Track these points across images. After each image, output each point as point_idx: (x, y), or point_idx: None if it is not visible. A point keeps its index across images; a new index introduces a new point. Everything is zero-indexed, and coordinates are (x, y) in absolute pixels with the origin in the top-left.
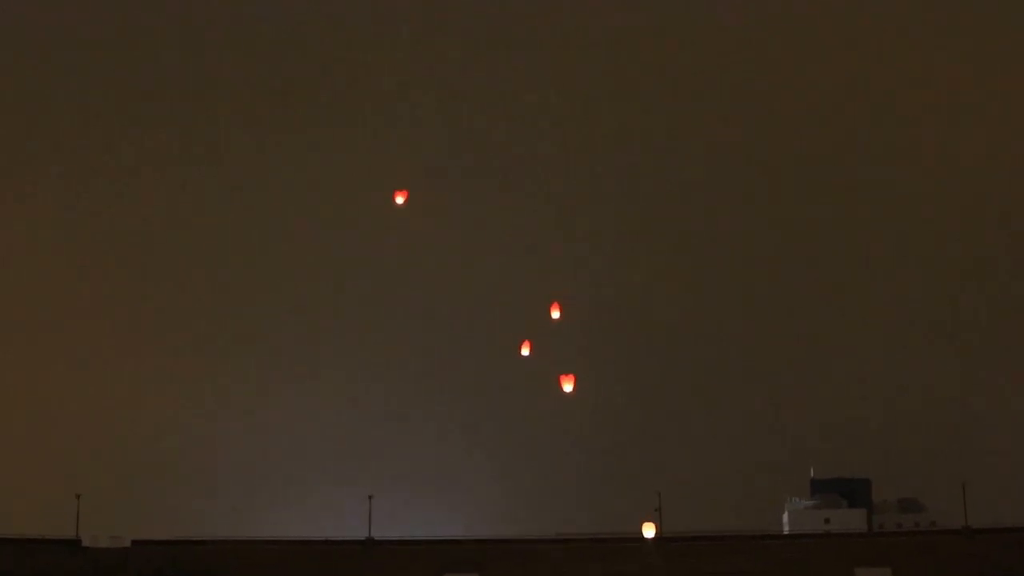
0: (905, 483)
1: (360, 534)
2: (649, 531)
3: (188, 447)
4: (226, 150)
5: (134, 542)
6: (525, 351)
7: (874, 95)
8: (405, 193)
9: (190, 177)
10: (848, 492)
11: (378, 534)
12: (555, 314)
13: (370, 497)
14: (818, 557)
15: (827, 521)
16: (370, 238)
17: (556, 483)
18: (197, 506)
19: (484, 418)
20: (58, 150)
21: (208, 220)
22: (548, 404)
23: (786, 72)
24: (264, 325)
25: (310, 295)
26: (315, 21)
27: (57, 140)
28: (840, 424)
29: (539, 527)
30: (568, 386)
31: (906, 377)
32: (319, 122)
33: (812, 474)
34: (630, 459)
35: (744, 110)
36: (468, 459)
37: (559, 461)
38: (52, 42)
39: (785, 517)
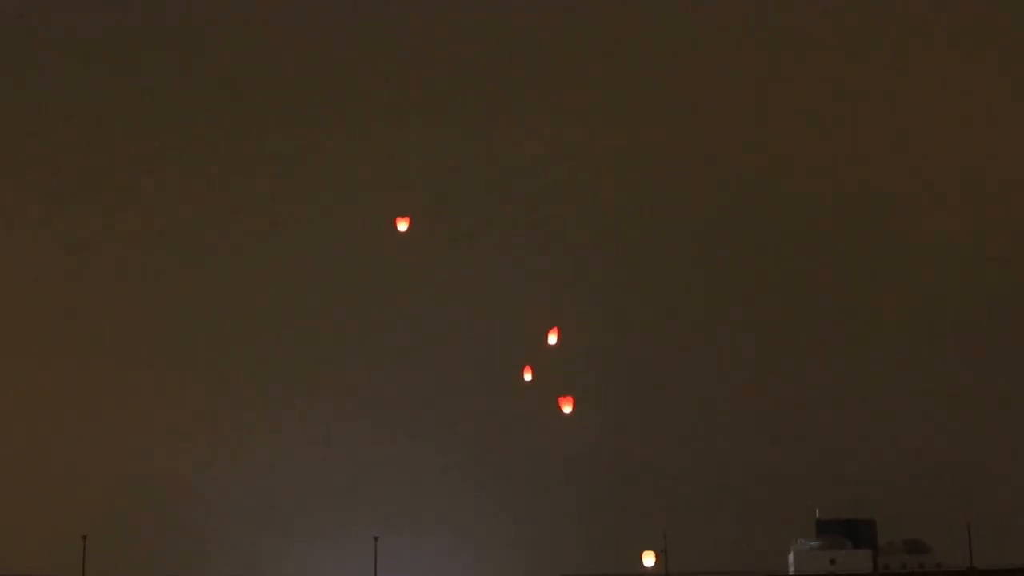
0: (910, 524)
1: None
2: (649, 560)
3: (194, 489)
4: (226, 186)
5: None
6: (527, 376)
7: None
8: (407, 219)
9: (200, 218)
10: (853, 533)
11: None
12: (552, 339)
13: (375, 538)
14: None
15: (833, 562)
16: (369, 269)
17: (559, 522)
18: (202, 548)
19: (486, 455)
20: (54, 177)
21: (216, 254)
22: (548, 440)
23: (795, 125)
24: (268, 364)
25: (311, 331)
26: (316, 47)
27: (53, 170)
28: (845, 465)
29: (542, 567)
30: (567, 407)
31: (911, 418)
32: (316, 148)
33: (817, 515)
34: (634, 498)
35: (748, 143)
36: (471, 497)
37: (561, 499)
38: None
39: (790, 558)
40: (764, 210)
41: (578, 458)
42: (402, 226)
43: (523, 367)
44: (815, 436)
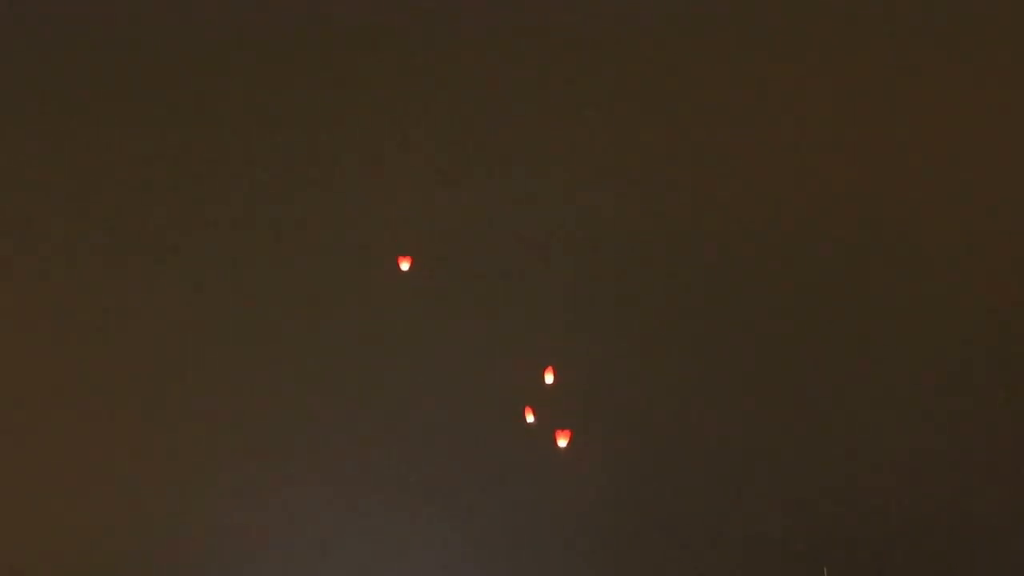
0: None
1: None
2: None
3: (192, 545)
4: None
5: None
6: (529, 418)
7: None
8: (410, 259)
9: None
10: None
11: None
12: (549, 378)
13: None
14: None
15: None
16: (370, 310)
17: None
18: None
19: (488, 507)
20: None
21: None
22: (549, 492)
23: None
24: (263, 411)
25: (311, 380)
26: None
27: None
28: (853, 525)
29: None
30: (563, 441)
31: (918, 478)
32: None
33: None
34: (636, 550)
35: (751, 185)
36: (474, 554)
37: (562, 550)
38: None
39: None
40: (767, 256)
41: (578, 503)
42: (404, 265)
43: (524, 408)
44: (821, 488)
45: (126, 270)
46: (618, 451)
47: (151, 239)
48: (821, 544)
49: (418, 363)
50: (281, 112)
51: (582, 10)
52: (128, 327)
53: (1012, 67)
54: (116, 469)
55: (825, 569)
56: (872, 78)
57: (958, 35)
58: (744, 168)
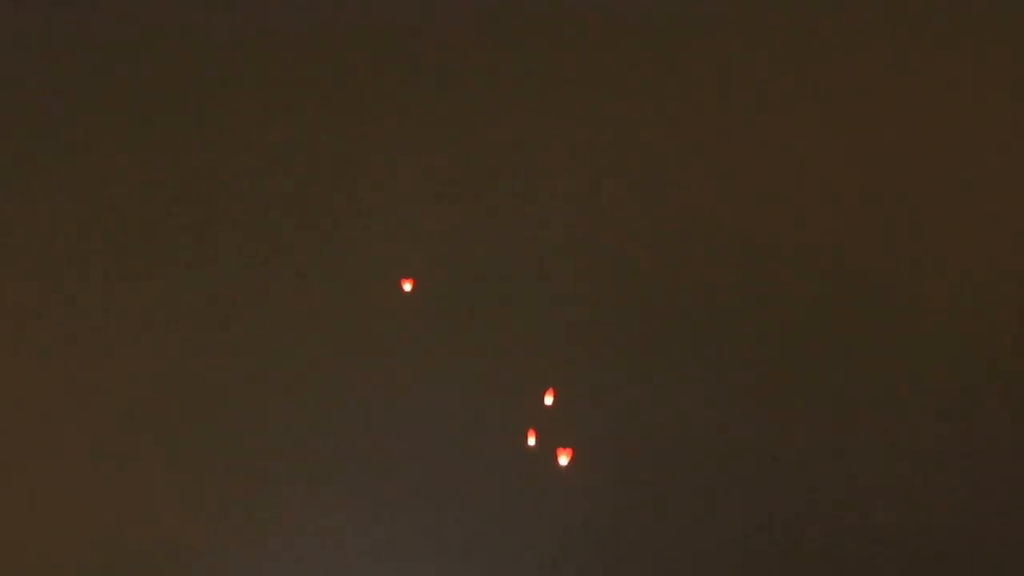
0: None
1: None
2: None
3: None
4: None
5: None
6: (531, 440)
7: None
8: (412, 281)
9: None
10: None
11: None
12: (548, 400)
13: None
14: None
15: None
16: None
17: None
18: None
19: (491, 534)
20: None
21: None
22: (550, 512)
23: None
24: (258, 435)
25: (310, 413)
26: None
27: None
28: (858, 550)
29: None
30: (564, 459)
31: (922, 520)
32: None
33: None
34: (640, 569)
35: (752, 223)
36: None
37: (564, 567)
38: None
39: None
40: (772, 278)
41: (580, 535)
42: (407, 287)
43: (527, 430)
44: (828, 516)
45: (122, 284)
46: (620, 471)
47: (152, 255)
48: (825, 567)
49: (418, 383)
50: (281, 136)
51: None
52: (126, 346)
53: None
54: (117, 485)
55: None
56: (880, 84)
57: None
58: (748, 189)
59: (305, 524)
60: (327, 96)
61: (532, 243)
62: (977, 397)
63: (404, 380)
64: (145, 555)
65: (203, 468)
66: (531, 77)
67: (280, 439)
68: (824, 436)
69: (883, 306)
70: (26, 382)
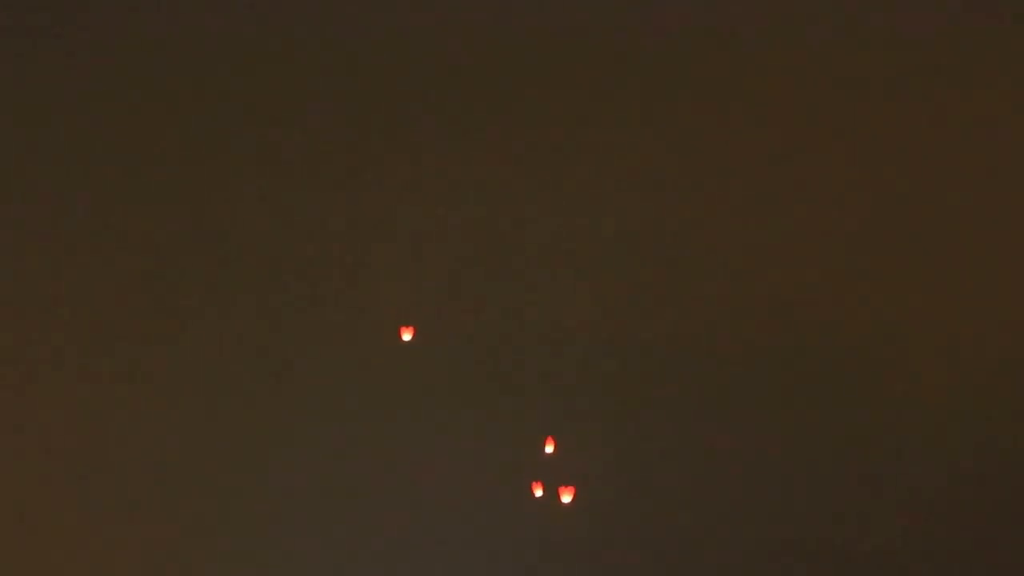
0: None
1: None
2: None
3: None
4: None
5: None
6: (538, 492)
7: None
8: (412, 329)
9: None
10: None
11: None
12: (549, 448)
13: None
14: None
15: None
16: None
17: None
18: None
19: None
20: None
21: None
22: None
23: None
24: (257, 488)
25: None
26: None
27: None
28: None
29: None
30: (567, 498)
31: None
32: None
33: None
34: None
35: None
36: None
37: None
38: None
39: None
40: (767, 342)
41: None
42: (406, 336)
43: (532, 482)
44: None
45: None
46: (621, 515)
47: (151, 319)
48: None
49: (419, 434)
50: (279, 177)
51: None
52: (123, 400)
53: None
54: (119, 534)
55: None
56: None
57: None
58: (749, 245)
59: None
60: (333, 152)
61: (532, 290)
62: (978, 464)
63: (405, 433)
64: None
65: (201, 530)
66: (536, 135)
67: (281, 493)
68: (820, 489)
69: (877, 368)
70: (25, 453)
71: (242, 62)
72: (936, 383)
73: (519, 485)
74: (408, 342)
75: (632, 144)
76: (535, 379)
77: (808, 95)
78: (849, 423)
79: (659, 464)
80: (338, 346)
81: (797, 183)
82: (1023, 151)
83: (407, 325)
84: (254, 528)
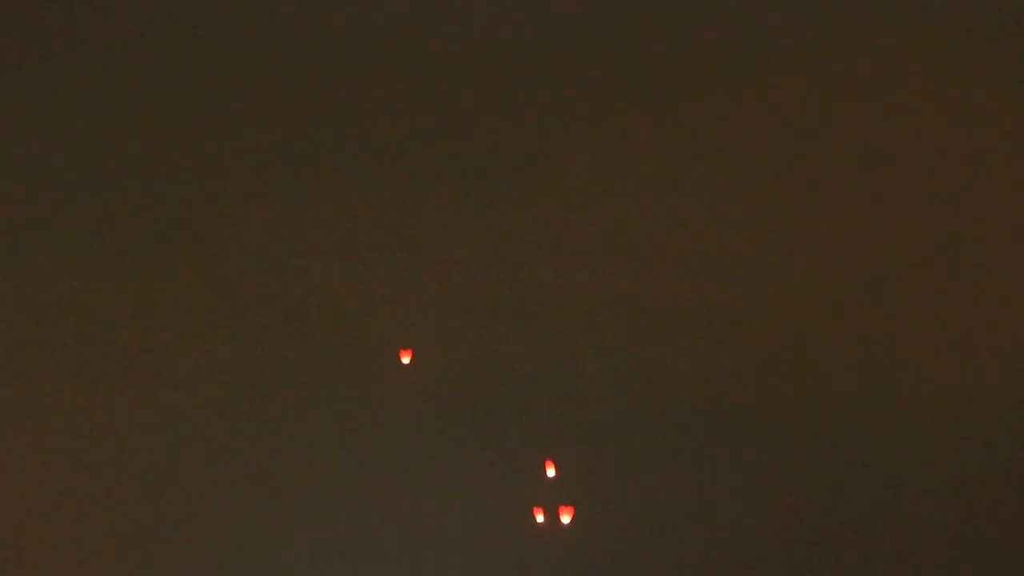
0: None
1: None
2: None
3: None
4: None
5: None
6: (539, 518)
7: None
8: (411, 352)
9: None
10: None
11: None
12: (550, 472)
13: None
14: None
15: None
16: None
17: None
18: None
19: None
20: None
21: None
22: None
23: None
24: (257, 514)
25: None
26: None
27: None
28: None
29: None
30: (566, 518)
31: None
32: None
33: None
34: None
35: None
36: None
37: None
38: None
39: None
40: (768, 367)
41: None
42: (405, 359)
43: (533, 508)
44: None
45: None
46: (621, 542)
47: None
48: None
49: (419, 458)
50: (277, 200)
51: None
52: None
53: None
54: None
55: None
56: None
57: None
58: (749, 273)
59: None
60: (329, 173)
61: (535, 314)
62: (981, 486)
63: (404, 456)
64: None
65: (198, 565)
66: (535, 159)
67: (279, 520)
68: (822, 514)
69: (880, 413)
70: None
71: (241, 98)
72: (952, 444)
73: (521, 511)
74: (408, 366)
75: (634, 183)
76: (536, 407)
77: (814, 145)
78: (849, 458)
79: (660, 489)
80: (337, 372)
81: (807, 232)
82: None
83: (406, 348)
84: (253, 553)
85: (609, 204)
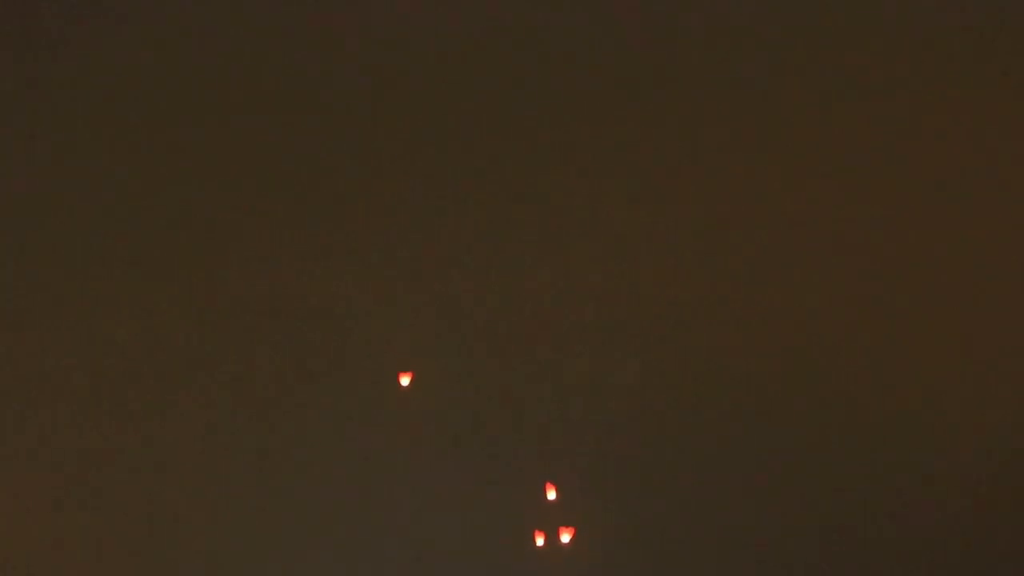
0: None
1: None
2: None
3: None
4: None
5: None
6: (539, 541)
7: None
8: (411, 374)
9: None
10: None
11: None
12: (551, 495)
13: None
14: None
15: None
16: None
17: None
18: None
19: None
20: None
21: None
22: None
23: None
24: (255, 539)
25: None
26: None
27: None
28: None
29: None
30: (566, 537)
31: None
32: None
33: None
34: None
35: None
36: None
37: None
38: None
39: None
40: (773, 389)
41: None
42: (404, 380)
43: (534, 532)
44: None
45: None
46: (624, 566)
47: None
48: None
49: (418, 483)
50: (274, 227)
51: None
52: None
53: None
54: None
55: None
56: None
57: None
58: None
59: None
60: (329, 189)
61: (535, 334)
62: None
63: (403, 482)
64: None
65: None
66: (536, 197)
67: (280, 542)
68: (829, 534)
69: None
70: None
71: (240, 116)
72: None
73: (521, 534)
74: (407, 388)
75: (634, 211)
76: (536, 429)
77: (832, 146)
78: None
79: (663, 512)
80: (335, 394)
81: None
82: None
83: (405, 371)
84: (249, 574)
85: (620, 233)
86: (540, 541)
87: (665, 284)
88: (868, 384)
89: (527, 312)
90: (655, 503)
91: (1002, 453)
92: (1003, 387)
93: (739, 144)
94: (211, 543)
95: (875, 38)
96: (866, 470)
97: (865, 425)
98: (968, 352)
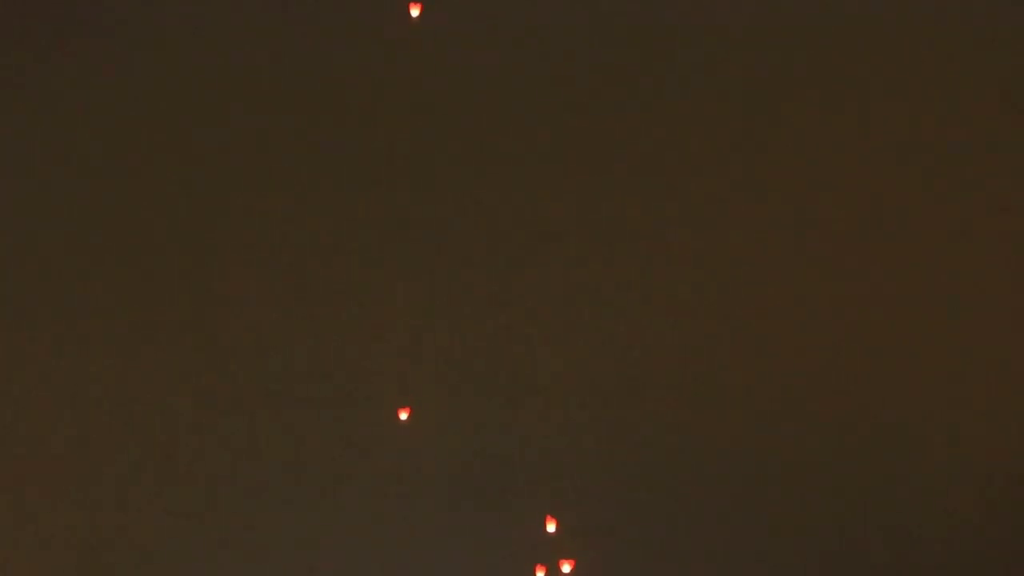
0: None
1: None
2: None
3: None
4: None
5: None
6: (540, 575)
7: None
8: (408, 409)
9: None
10: None
11: None
12: (551, 528)
13: None
14: None
15: None
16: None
17: None
18: None
19: None
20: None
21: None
22: None
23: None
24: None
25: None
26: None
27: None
28: None
29: None
30: (567, 567)
31: None
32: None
33: None
34: None
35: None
36: None
37: None
38: None
39: None
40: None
41: None
42: (403, 415)
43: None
44: None
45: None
46: None
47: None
48: None
49: (419, 517)
50: (273, 255)
51: None
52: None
53: None
54: None
55: None
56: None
57: None
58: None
59: None
60: (329, 228)
61: (530, 363)
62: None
63: (402, 508)
64: None
65: None
66: (538, 220)
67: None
68: (829, 563)
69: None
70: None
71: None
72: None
73: (521, 569)
74: (405, 423)
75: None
76: (536, 461)
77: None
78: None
79: (662, 545)
80: (336, 431)
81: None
82: None
83: (404, 406)
84: None
85: (624, 282)
86: (541, 575)
87: (665, 331)
88: (866, 389)
89: (528, 349)
90: (655, 533)
91: (1002, 455)
92: (1003, 390)
93: (739, 144)
94: None
95: (875, 38)
96: (865, 480)
97: (864, 431)
98: (968, 354)
